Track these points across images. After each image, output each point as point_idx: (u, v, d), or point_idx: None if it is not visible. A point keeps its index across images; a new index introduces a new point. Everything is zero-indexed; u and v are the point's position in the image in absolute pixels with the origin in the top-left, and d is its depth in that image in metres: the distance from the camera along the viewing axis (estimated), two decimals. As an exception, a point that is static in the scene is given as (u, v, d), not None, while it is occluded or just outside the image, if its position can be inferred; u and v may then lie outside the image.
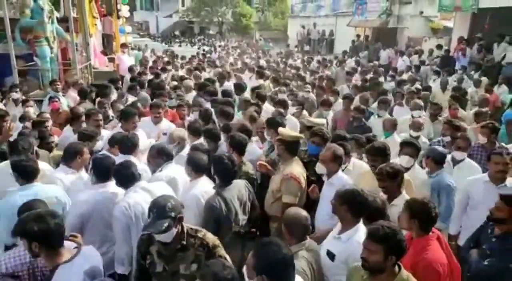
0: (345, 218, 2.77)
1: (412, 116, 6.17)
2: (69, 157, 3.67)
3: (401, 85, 9.34)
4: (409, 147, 3.98)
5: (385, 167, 3.29)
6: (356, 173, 4.00)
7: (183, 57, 16.33)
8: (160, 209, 2.41)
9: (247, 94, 7.43)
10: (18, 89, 6.84)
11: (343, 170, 3.84)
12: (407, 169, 3.82)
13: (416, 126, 5.34)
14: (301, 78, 10.26)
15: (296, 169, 3.77)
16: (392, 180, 3.25)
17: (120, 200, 3.14)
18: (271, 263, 2.04)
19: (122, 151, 4.00)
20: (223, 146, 4.43)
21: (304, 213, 2.81)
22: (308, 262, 2.64)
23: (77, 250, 2.42)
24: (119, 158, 3.72)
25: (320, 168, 3.62)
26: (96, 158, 3.53)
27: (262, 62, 15.34)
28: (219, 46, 27.47)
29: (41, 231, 2.21)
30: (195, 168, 3.48)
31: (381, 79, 10.97)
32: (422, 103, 6.47)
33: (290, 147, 3.88)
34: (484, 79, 9.87)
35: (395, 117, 6.05)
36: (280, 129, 4.07)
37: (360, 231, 2.72)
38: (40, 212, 2.37)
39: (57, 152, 4.36)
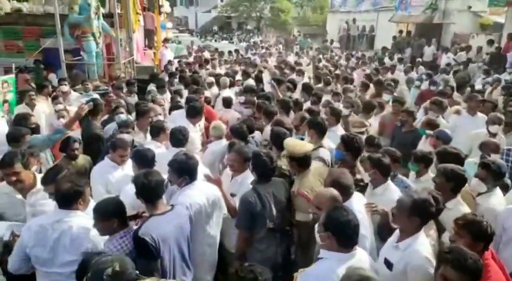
0: (409, 228, 2.62)
1: (489, 132, 5.02)
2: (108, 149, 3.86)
3: (462, 88, 8.39)
4: (485, 170, 3.46)
5: (443, 167, 3.32)
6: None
7: (221, 53, 16.46)
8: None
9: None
10: (66, 82, 7.13)
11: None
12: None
13: (491, 148, 4.30)
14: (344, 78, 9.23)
15: (307, 182, 3.53)
16: (446, 181, 3.20)
17: (179, 199, 3.12)
18: (338, 222, 2.34)
19: (174, 144, 4.13)
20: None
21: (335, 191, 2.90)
22: None
23: (171, 208, 2.89)
24: (170, 151, 3.89)
25: None
26: (138, 149, 3.70)
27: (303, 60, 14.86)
28: (254, 42, 27.27)
29: (143, 185, 2.73)
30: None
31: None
32: (502, 117, 5.12)
33: (302, 161, 3.61)
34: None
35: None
36: (288, 144, 3.70)
37: (420, 238, 2.60)
38: (146, 171, 2.86)
39: (81, 162, 4.25)
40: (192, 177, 3.23)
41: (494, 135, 4.94)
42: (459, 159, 3.69)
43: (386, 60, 14.62)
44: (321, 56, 16.17)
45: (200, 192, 3.23)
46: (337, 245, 2.35)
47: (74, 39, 8.49)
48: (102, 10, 9.23)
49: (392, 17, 20.08)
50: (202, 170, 3.76)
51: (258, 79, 8.71)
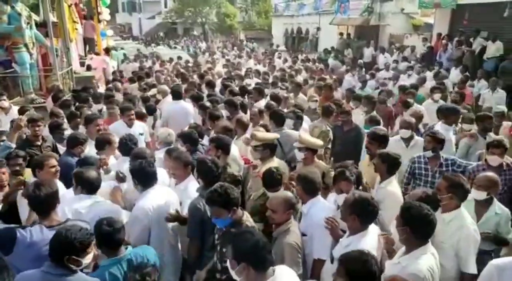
0: (352, 225, 2.74)
1: (402, 139, 4.92)
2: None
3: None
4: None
5: (380, 151, 3.82)
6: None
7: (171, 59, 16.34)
8: None
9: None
10: (5, 97, 6.53)
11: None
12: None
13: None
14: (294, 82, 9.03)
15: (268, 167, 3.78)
16: (382, 163, 3.69)
17: (143, 201, 3.16)
18: (246, 250, 2.14)
19: (124, 152, 4.12)
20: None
21: (290, 194, 3.01)
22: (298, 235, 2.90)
23: (64, 221, 2.74)
24: (121, 161, 3.99)
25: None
26: (78, 160, 3.73)
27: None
28: (198, 48, 27.07)
29: (34, 197, 2.71)
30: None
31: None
32: (412, 120, 5.09)
33: (274, 148, 4.08)
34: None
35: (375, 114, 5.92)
36: (259, 135, 4.11)
37: (365, 238, 2.67)
38: (36, 182, 2.87)
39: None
40: (148, 182, 3.24)
41: (408, 140, 4.89)
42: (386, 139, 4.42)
43: (330, 60, 15.30)
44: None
45: (160, 196, 3.24)
46: (255, 272, 2.15)
47: (4, 50, 7.98)
48: (36, 18, 8.77)
49: (332, 20, 20.85)
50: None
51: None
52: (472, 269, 2.95)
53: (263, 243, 2.19)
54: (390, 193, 3.47)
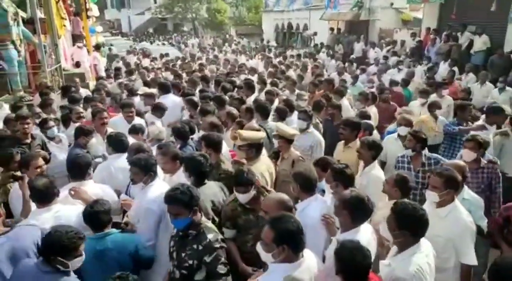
0: (345, 222, 2.71)
1: (398, 135, 4.94)
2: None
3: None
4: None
5: (367, 139, 3.99)
6: None
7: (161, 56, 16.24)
8: None
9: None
10: None
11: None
12: None
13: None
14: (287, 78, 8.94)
15: (255, 168, 3.67)
16: (368, 150, 3.89)
17: (151, 194, 3.19)
18: (290, 232, 2.25)
19: (116, 149, 4.08)
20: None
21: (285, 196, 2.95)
22: None
23: (8, 230, 2.72)
24: (112, 158, 4.02)
25: None
26: (71, 155, 3.80)
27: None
28: (191, 44, 26.89)
29: None
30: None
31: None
32: (411, 119, 5.12)
33: (260, 147, 4.01)
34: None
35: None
36: (245, 134, 3.99)
37: (359, 234, 2.64)
38: None
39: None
40: (156, 174, 3.34)
41: (404, 137, 4.71)
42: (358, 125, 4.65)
43: (321, 56, 15.34)
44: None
45: (163, 188, 3.18)
46: (293, 254, 2.29)
47: (-9, 47, 7.85)
48: (23, 15, 8.63)
49: (322, 15, 20.87)
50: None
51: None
52: (471, 260, 2.94)
53: (301, 228, 2.31)
54: (374, 177, 3.66)
